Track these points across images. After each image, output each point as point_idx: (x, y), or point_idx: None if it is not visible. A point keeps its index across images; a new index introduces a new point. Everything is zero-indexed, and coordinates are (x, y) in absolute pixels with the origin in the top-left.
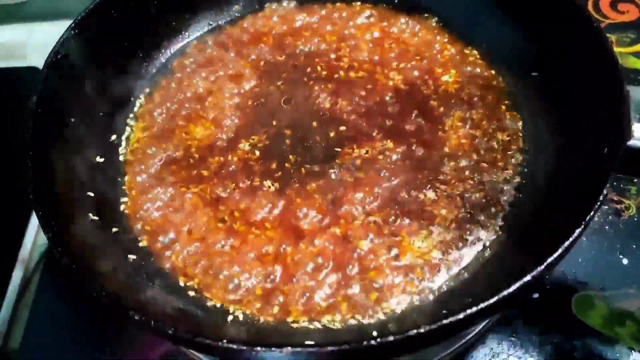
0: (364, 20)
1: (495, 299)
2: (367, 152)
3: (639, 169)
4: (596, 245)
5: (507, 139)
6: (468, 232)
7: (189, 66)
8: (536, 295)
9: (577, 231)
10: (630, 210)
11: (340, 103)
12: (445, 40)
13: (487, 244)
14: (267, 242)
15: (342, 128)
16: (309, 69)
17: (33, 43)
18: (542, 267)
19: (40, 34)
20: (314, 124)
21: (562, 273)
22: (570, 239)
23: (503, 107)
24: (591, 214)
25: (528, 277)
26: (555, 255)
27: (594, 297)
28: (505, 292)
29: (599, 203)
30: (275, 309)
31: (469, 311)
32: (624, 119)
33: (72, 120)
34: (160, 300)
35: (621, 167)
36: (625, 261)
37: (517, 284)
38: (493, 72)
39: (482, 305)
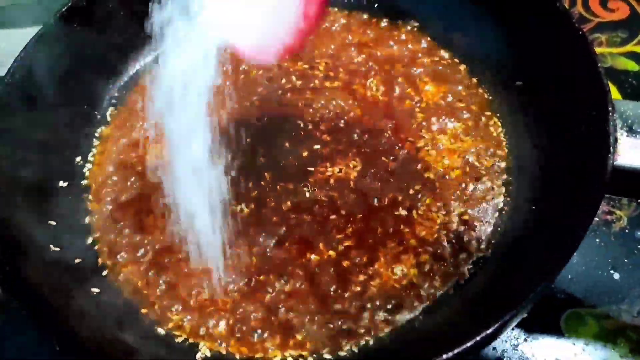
0: (340, 27)
1: (468, 344)
2: (340, 170)
3: (628, 188)
4: (586, 259)
5: (490, 155)
6: (447, 259)
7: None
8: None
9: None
10: (621, 222)
11: (313, 118)
12: (426, 47)
13: (466, 271)
14: (237, 273)
15: (316, 147)
16: (283, 80)
17: (11, 50)
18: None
19: (19, 41)
20: (287, 144)
21: (551, 290)
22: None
23: (484, 118)
24: (574, 247)
25: (507, 317)
26: (535, 292)
27: (585, 315)
28: (469, 343)
29: (584, 233)
30: (245, 345)
31: None
32: (609, 139)
33: (34, 142)
34: (121, 337)
35: (609, 187)
36: (616, 276)
37: (494, 327)
38: (475, 81)
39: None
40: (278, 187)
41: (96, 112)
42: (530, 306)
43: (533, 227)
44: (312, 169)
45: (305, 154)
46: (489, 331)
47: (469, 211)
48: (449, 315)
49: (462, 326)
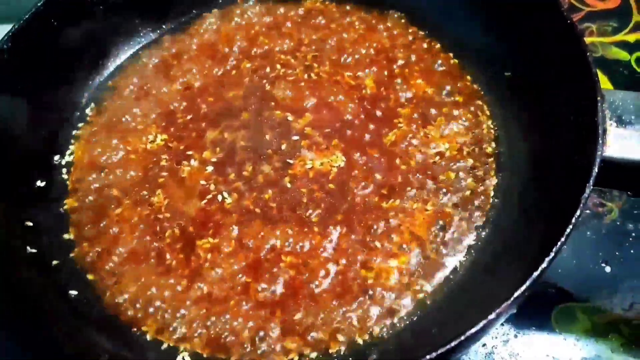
0: (326, 18)
1: (457, 341)
2: (321, 164)
3: (617, 180)
4: (577, 252)
5: (479, 145)
6: (437, 251)
7: (139, 74)
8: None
9: (547, 260)
10: (613, 214)
11: (296, 110)
12: (413, 38)
13: (457, 266)
14: (221, 280)
15: (295, 138)
16: (268, 69)
17: None
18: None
19: None
20: (267, 136)
21: (542, 284)
22: (538, 271)
23: (473, 108)
24: (562, 240)
25: (492, 315)
26: (521, 290)
27: (576, 309)
28: (462, 337)
29: (571, 226)
30: (227, 349)
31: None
32: (597, 129)
33: (10, 139)
34: (100, 342)
35: (597, 179)
36: (608, 269)
37: (481, 324)
38: (464, 72)
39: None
40: (260, 178)
41: (75, 111)
42: (516, 303)
43: (522, 218)
44: (292, 161)
45: (284, 146)
46: (473, 330)
47: (457, 202)
48: (437, 312)
49: (450, 323)
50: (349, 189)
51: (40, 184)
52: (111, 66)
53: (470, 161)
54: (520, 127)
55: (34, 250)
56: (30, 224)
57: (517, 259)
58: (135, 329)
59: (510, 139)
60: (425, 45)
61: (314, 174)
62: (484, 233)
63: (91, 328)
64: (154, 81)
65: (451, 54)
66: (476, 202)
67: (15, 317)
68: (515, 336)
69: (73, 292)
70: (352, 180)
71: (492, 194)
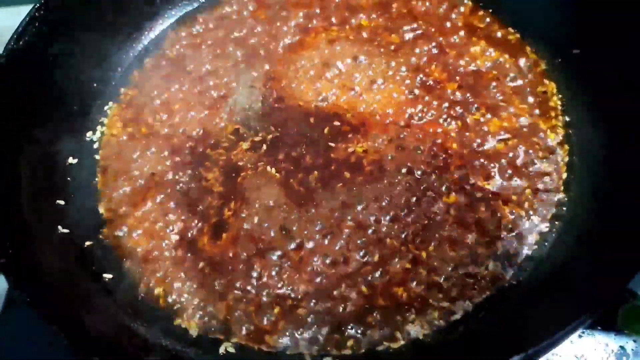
0: None
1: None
2: (364, 151)
3: None
4: None
5: (543, 142)
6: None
7: (178, 46)
8: None
9: None
10: None
11: (339, 92)
12: (466, 9)
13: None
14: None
15: (336, 123)
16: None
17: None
18: None
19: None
20: (311, 119)
21: None
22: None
23: (540, 89)
24: None
25: None
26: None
27: None
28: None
29: None
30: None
31: None
32: None
33: (40, 116)
34: (136, 330)
35: None
36: None
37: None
38: (528, 48)
39: None
40: (308, 156)
41: (108, 86)
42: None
43: (595, 228)
44: (333, 144)
45: (326, 130)
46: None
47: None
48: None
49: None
50: (394, 184)
51: (72, 161)
52: (145, 40)
53: (538, 152)
54: (592, 114)
55: (65, 231)
56: (62, 202)
57: (581, 284)
58: (176, 316)
59: (581, 128)
60: (480, 17)
61: (355, 160)
62: (544, 241)
63: (127, 314)
64: (193, 57)
65: (512, 27)
66: (537, 219)
67: (48, 303)
68: (580, 336)
69: (107, 276)
70: (393, 174)
71: (559, 197)
